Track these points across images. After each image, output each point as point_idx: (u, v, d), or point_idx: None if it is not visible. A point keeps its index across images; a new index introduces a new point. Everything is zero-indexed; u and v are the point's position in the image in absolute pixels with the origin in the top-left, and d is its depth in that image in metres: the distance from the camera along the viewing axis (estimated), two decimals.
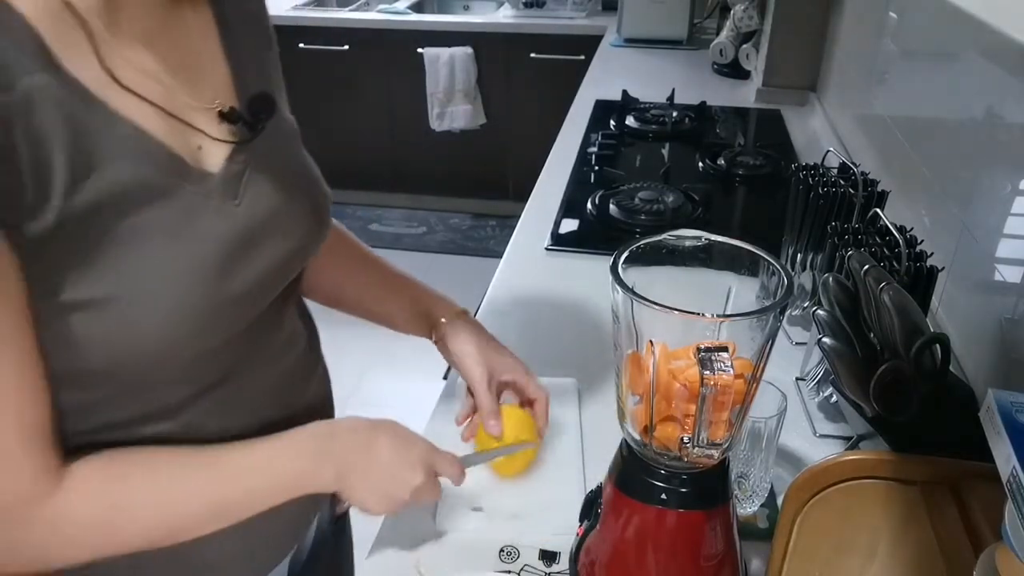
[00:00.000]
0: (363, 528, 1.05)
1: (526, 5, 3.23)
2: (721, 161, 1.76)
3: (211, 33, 0.65)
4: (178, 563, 0.69)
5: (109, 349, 0.55)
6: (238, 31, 0.67)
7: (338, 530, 0.97)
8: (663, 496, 0.64)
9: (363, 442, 0.71)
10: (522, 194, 1.69)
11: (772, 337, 0.59)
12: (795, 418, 0.99)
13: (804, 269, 1.15)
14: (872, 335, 0.84)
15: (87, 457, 0.59)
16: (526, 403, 0.91)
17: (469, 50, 3.25)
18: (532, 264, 1.38)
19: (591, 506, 0.73)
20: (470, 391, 0.90)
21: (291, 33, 3.14)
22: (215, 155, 0.62)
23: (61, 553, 0.59)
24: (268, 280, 0.66)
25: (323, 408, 0.84)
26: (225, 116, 0.62)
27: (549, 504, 0.86)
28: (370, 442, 0.71)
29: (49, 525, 0.56)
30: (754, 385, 0.61)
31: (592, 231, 1.48)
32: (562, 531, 0.81)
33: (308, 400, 0.78)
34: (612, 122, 2.04)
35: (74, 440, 0.60)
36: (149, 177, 0.55)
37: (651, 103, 2.14)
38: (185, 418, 0.64)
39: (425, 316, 0.91)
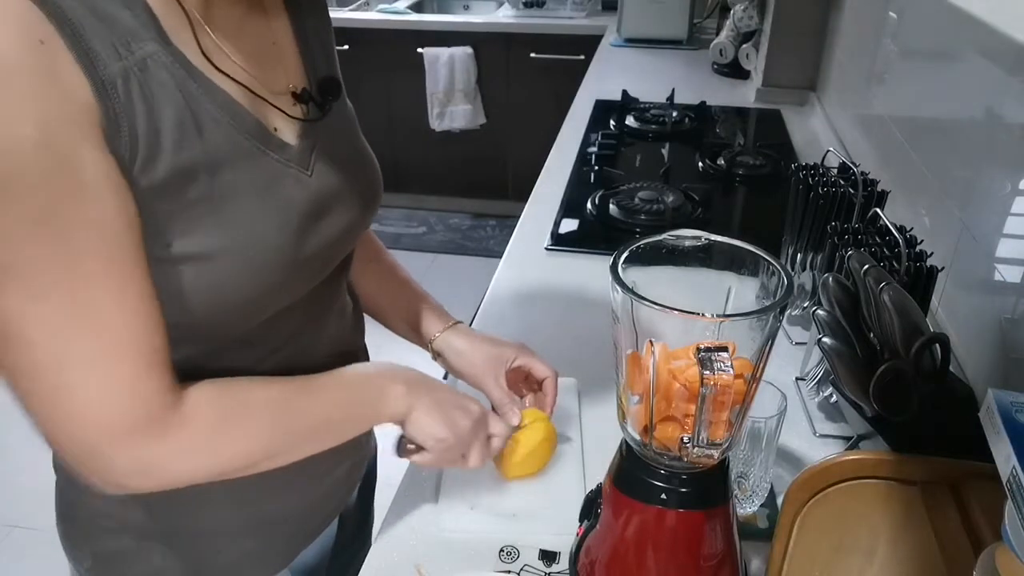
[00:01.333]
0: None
1: (526, 5, 3.23)
2: (721, 161, 1.76)
3: (284, 22, 0.71)
4: (245, 517, 0.76)
5: (208, 301, 0.60)
6: (307, 19, 0.73)
7: (364, 498, 1.01)
8: (663, 496, 0.64)
9: (422, 376, 0.77)
10: (522, 194, 1.69)
11: (772, 337, 0.59)
12: (795, 418, 0.99)
13: (804, 269, 1.15)
14: (872, 335, 0.84)
15: (200, 382, 0.63)
16: (536, 384, 0.93)
17: (469, 50, 3.25)
18: (532, 264, 1.38)
19: (591, 506, 0.73)
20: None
21: None
22: (289, 133, 0.67)
23: (181, 468, 0.62)
24: (333, 247, 0.72)
25: None
26: (298, 97, 0.68)
27: (549, 504, 0.86)
28: (428, 378, 0.78)
29: (173, 439, 0.60)
30: (754, 385, 0.61)
31: (592, 231, 1.48)
32: (562, 531, 0.81)
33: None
34: (612, 122, 2.04)
35: None
36: (241, 142, 0.61)
37: (651, 103, 2.14)
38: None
39: (418, 332, 0.94)
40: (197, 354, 0.64)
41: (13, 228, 0.50)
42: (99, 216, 0.53)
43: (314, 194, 0.67)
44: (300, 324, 0.72)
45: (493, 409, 0.92)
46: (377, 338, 0.96)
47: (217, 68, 0.60)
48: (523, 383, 0.94)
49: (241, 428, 0.64)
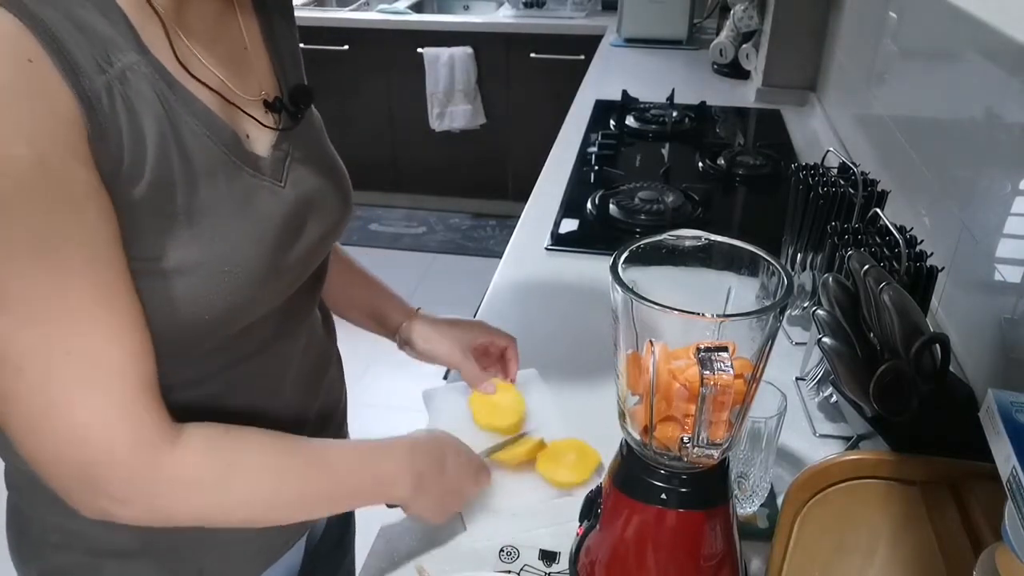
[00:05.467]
0: (364, 527, 1.05)
1: (526, 5, 3.23)
2: (721, 161, 1.76)
3: (255, 29, 0.70)
4: (200, 537, 0.71)
5: (180, 315, 0.59)
6: (277, 26, 0.72)
7: (344, 516, 1.00)
8: (663, 496, 0.64)
9: (437, 458, 0.77)
10: (522, 194, 1.69)
11: (772, 337, 0.59)
12: (795, 418, 0.99)
13: (804, 269, 1.15)
14: (872, 335, 0.84)
15: (201, 422, 0.61)
16: (498, 356, 1.00)
17: (469, 50, 3.25)
18: (532, 264, 1.38)
19: (591, 506, 0.73)
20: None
21: None
22: (262, 142, 0.66)
23: (172, 506, 0.61)
24: (309, 258, 0.71)
25: (338, 392, 0.88)
26: (270, 105, 0.67)
27: (549, 504, 0.86)
28: (442, 458, 0.77)
29: (166, 474, 0.58)
30: (754, 385, 0.61)
31: (592, 231, 1.48)
32: (562, 531, 0.81)
33: (326, 384, 0.82)
34: (612, 122, 2.04)
35: None
36: (219, 155, 0.61)
37: (651, 103, 2.14)
38: (220, 384, 0.67)
39: (382, 322, 0.96)
40: (169, 362, 0.62)
41: (11, 248, 0.49)
42: (90, 236, 0.52)
43: (290, 206, 0.66)
44: (273, 334, 0.71)
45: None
46: (375, 340, 0.96)
47: (192, 75, 0.59)
48: (483, 358, 0.99)
49: (233, 484, 0.62)
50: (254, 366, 0.70)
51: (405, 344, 0.96)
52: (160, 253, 0.57)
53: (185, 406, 0.65)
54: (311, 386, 0.79)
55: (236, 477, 0.62)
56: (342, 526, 0.99)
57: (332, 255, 0.94)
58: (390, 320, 0.96)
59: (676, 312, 0.56)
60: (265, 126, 0.66)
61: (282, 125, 0.68)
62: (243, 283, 0.61)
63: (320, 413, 0.81)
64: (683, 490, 0.63)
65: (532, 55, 3.22)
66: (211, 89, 0.61)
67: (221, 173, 0.60)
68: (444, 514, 0.78)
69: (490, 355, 1.00)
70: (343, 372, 0.90)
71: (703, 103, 2.10)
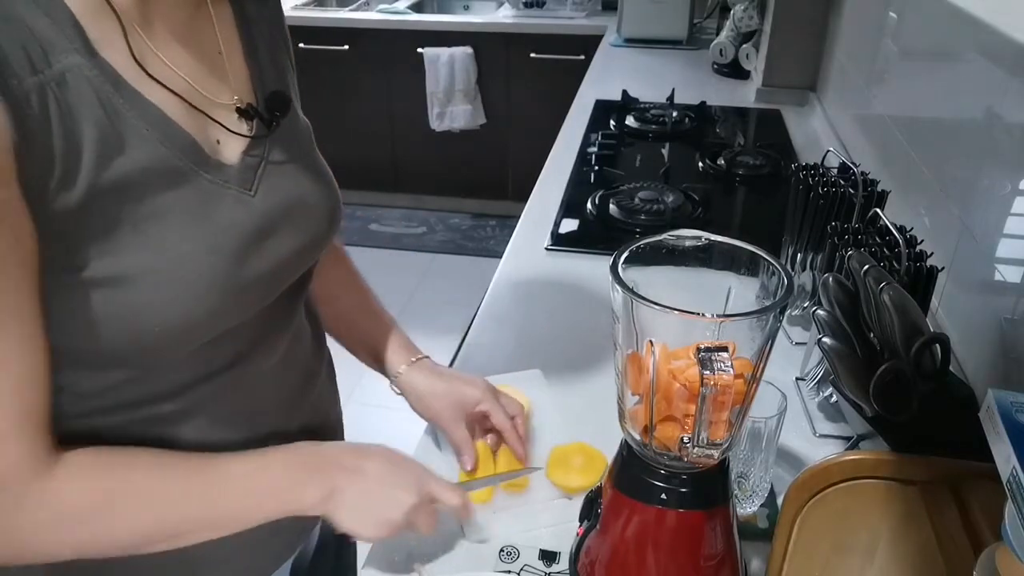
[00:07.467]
0: None
1: (526, 5, 3.23)
2: (721, 161, 1.76)
3: (232, 33, 0.68)
4: (181, 558, 0.69)
5: (129, 327, 0.56)
6: (257, 31, 0.70)
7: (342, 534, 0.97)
8: (663, 496, 0.64)
9: (351, 461, 0.70)
10: (522, 194, 1.69)
11: (772, 337, 0.59)
12: (795, 418, 0.99)
13: (804, 269, 1.15)
14: (872, 335, 0.84)
15: (83, 448, 0.59)
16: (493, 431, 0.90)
17: (469, 50, 3.25)
18: (532, 264, 1.38)
19: (591, 506, 0.73)
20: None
21: (291, 33, 3.15)
22: (232, 148, 0.64)
23: (46, 541, 0.58)
24: (281, 271, 0.68)
25: (327, 408, 0.85)
26: (243, 112, 0.65)
27: (549, 504, 0.86)
28: (359, 461, 0.70)
29: (37, 509, 0.55)
30: (754, 385, 0.61)
31: (592, 231, 1.48)
32: (562, 531, 0.81)
33: (312, 399, 0.79)
34: (612, 122, 2.04)
35: (78, 421, 0.60)
36: (172, 161, 0.58)
37: (651, 103, 2.14)
38: (188, 400, 0.65)
39: (380, 361, 0.91)
40: (129, 377, 0.61)
41: None
42: None
43: (259, 215, 0.64)
44: (246, 347, 0.68)
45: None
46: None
47: (152, 77, 0.57)
48: (483, 420, 0.90)
49: (113, 513, 0.59)
50: (227, 380, 0.67)
51: (403, 394, 0.90)
52: (103, 261, 0.54)
53: (156, 419, 0.64)
54: (294, 401, 0.76)
55: (117, 505, 0.59)
56: (337, 541, 0.95)
57: (348, 280, 0.91)
58: (389, 365, 0.90)
59: (676, 312, 0.56)
60: (235, 133, 0.64)
61: (255, 132, 0.66)
62: (200, 293, 0.59)
63: (305, 430, 0.78)
64: (683, 490, 0.64)
65: (532, 55, 3.22)
66: (173, 92, 0.59)
67: (174, 179, 0.58)
68: (380, 525, 0.70)
69: (489, 423, 0.89)
70: (336, 387, 0.87)
71: (703, 103, 2.10)
